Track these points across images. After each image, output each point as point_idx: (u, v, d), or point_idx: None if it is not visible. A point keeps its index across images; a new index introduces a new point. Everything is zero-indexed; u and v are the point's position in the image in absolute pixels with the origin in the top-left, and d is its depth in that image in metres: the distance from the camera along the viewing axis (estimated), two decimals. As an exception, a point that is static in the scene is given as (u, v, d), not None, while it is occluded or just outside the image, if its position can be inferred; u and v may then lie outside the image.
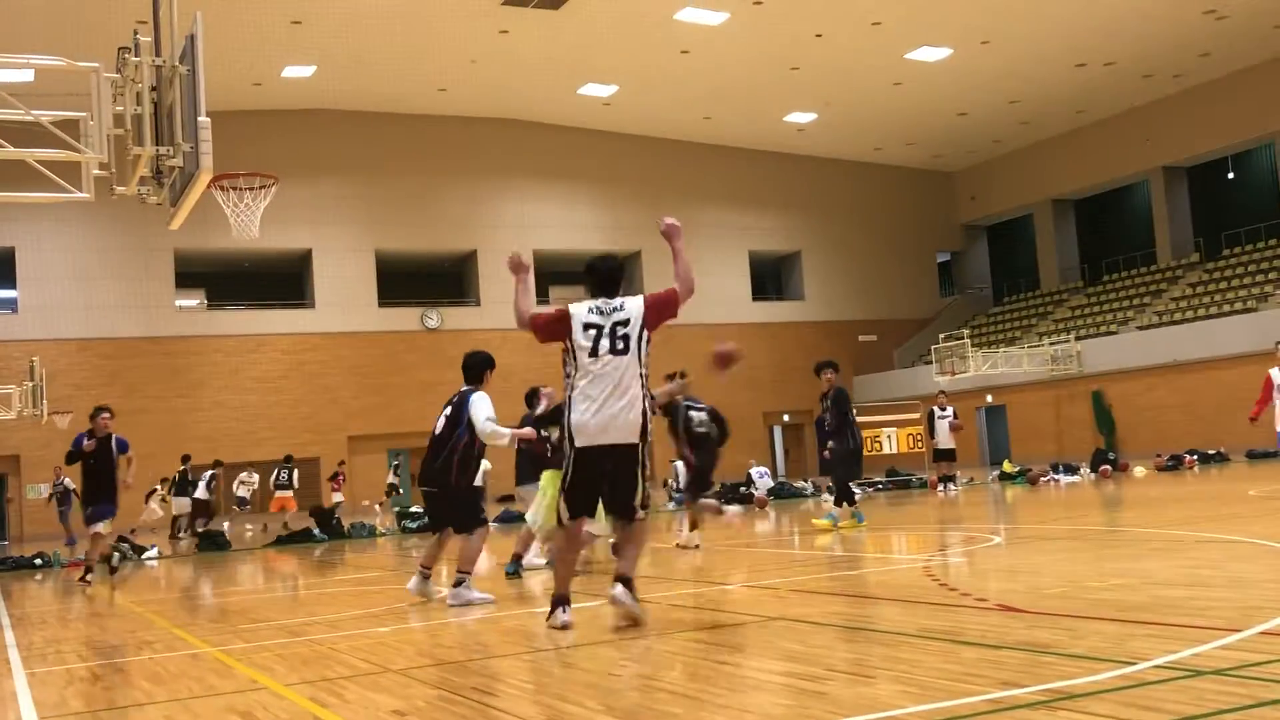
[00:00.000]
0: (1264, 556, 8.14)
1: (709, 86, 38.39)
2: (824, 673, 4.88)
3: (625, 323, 6.70)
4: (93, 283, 36.07)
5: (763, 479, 25.94)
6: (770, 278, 48.32)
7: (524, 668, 5.72)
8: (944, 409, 23.49)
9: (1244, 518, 11.81)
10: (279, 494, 26.37)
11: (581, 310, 6.76)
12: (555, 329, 6.77)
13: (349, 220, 39.46)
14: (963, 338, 40.46)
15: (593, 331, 6.67)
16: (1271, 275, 37.11)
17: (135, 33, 9.30)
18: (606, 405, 6.55)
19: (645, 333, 6.72)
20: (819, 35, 34.32)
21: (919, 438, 28.01)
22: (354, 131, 39.33)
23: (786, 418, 44.56)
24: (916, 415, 30.40)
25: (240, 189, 18.65)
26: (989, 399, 41.22)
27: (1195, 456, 27.01)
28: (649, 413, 6.67)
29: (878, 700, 4.26)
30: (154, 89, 9.20)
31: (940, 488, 22.65)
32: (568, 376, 6.76)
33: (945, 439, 23.07)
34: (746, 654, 5.55)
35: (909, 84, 38.80)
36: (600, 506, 7.05)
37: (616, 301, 6.83)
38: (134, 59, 9.21)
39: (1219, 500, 15.15)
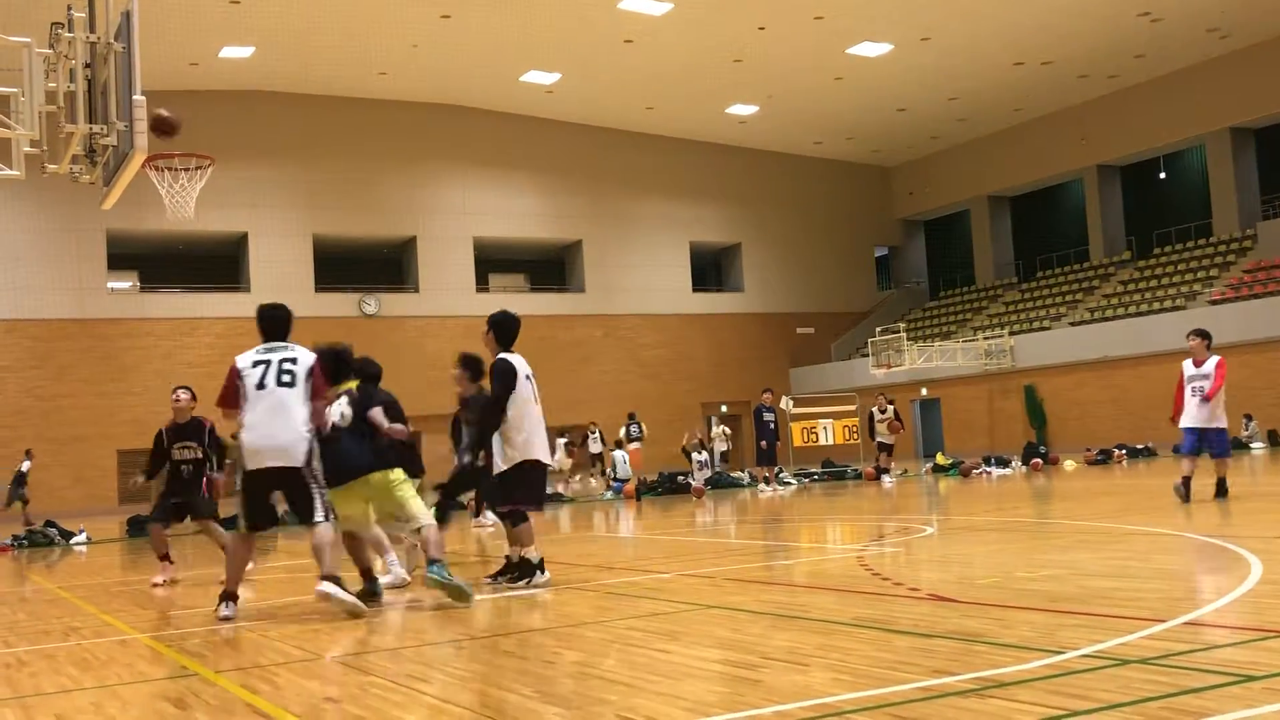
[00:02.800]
0: (1189, 549, 8.32)
1: (651, 76, 38.39)
2: (759, 660, 4.91)
3: (293, 361, 7.50)
4: (22, 263, 35.31)
5: (702, 470, 26.01)
6: (710, 269, 48.47)
7: (459, 655, 5.70)
8: (884, 410, 23.83)
9: (1170, 511, 12.05)
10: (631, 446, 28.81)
11: (247, 357, 7.54)
12: (230, 386, 7.52)
13: (286, 204, 38.98)
14: (899, 331, 40.87)
15: (260, 368, 7.45)
16: (1200, 274, 37.86)
17: (69, 8, 9.11)
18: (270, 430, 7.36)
19: (310, 381, 7.50)
20: (761, 28, 34.43)
21: (855, 429, 28.26)
22: (292, 114, 38.84)
23: (724, 408, 44.75)
24: (853, 407, 30.68)
25: (175, 170, 18.36)
26: (924, 392, 41.66)
27: (1124, 451, 27.49)
28: (312, 440, 7.45)
29: (811, 688, 4.30)
30: (88, 66, 9.02)
31: (880, 478, 22.95)
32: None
33: (884, 434, 23.51)
34: (682, 641, 5.57)
35: (850, 79, 39.07)
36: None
37: (285, 346, 7.63)
38: (67, 35, 9.03)
39: (1146, 494, 15.45)
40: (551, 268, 45.25)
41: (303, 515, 7.46)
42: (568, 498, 23.75)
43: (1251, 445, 29.45)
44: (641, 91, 39.91)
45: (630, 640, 5.70)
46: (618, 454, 26.65)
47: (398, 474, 8.14)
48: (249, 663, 5.77)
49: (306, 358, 7.59)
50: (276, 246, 38.79)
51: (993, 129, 45.52)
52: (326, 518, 7.49)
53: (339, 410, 8.15)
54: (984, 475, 23.43)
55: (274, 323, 7.72)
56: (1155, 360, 34.24)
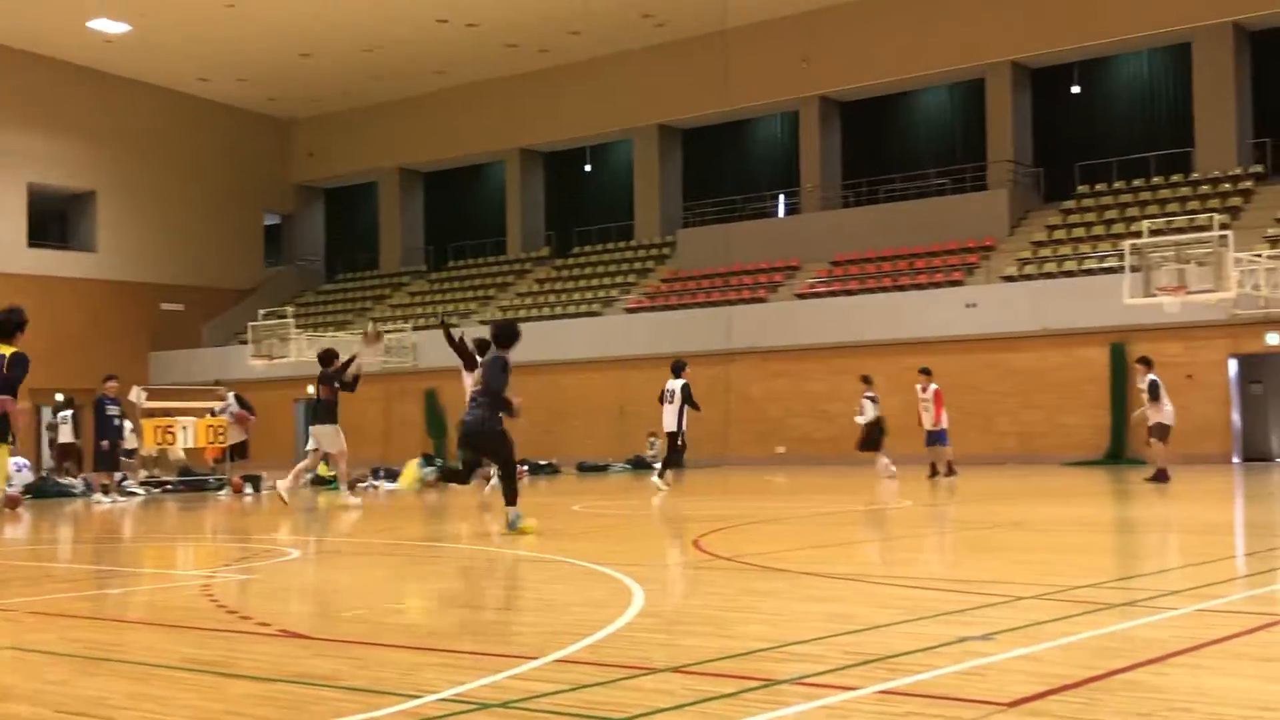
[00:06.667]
0: (577, 577, 8.93)
1: (-11, -33, 35.33)
2: (51, 714, 4.61)
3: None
4: None
5: (20, 472, 24.20)
6: (54, 221, 45.49)
7: None
8: (224, 399, 23.83)
9: (565, 534, 12.91)
10: None
11: None
12: None
13: None
14: (286, 316, 40.55)
15: None
16: (619, 279, 41.16)
17: None
18: None
19: None
20: (140, -71, 32.87)
21: (223, 431, 27.63)
22: None
23: (60, 397, 41.99)
24: (223, 404, 29.99)
25: None
26: (310, 390, 41.64)
27: (526, 466, 29.12)
28: None
29: (113, 749, 4.10)
30: None
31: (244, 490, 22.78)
32: None
33: (235, 433, 23.40)
34: (-51, 694, 5.10)
35: (244, 7, 38.27)
36: None
37: None
38: None
39: (543, 514, 16.44)
40: None
41: None
42: None
43: (655, 465, 32.32)
44: (-26, -16, 36.59)
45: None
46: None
47: None
48: None
49: None
50: None
51: (412, 92, 46.62)
52: None
53: None
54: (371, 489, 23.86)
55: None
56: (566, 369, 36.73)
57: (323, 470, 26.57)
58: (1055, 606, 6.83)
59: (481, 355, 17.03)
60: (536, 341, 37.87)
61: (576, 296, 40.85)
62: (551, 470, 30.26)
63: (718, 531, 12.52)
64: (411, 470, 14.37)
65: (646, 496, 20.12)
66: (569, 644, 5.81)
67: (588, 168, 46.87)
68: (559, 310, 39.93)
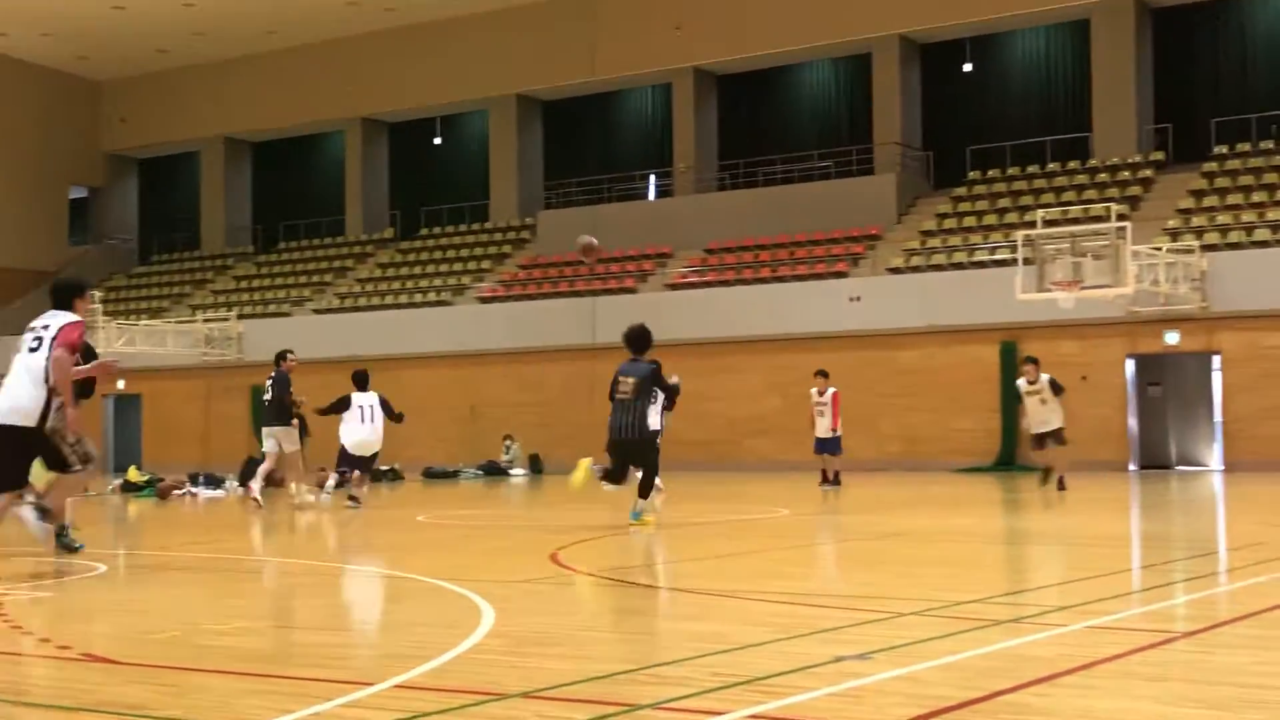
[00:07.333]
0: (420, 595, 8.91)
1: None
2: None
3: (47, 327, 10.06)
4: None
5: None
6: None
7: None
8: None
9: (406, 548, 12.86)
10: None
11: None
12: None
13: None
14: (93, 301, 39.70)
15: (29, 335, 10.13)
16: (471, 265, 40.97)
17: None
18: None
19: (55, 341, 9.88)
20: None
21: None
22: None
23: None
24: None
25: None
26: (121, 385, 40.83)
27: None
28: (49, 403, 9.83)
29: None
30: None
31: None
32: None
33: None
34: None
35: (52, -47, 37.42)
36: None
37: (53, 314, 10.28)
38: None
39: (384, 526, 16.35)
40: None
41: (51, 466, 10.35)
42: None
43: (511, 472, 32.33)
44: None
45: None
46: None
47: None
48: None
49: (60, 320, 10.05)
50: None
51: (240, 52, 45.90)
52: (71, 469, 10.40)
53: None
54: (189, 497, 23.56)
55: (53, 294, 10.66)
56: (415, 364, 36.42)
57: (134, 476, 26.11)
58: (938, 623, 6.99)
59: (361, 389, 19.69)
60: (378, 333, 37.60)
61: (424, 284, 40.56)
62: (394, 476, 30.01)
63: (579, 544, 12.56)
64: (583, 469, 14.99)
65: (497, 505, 20.09)
66: (410, 668, 5.80)
67: (438, 140, 46.53)
68: (404, 299, 39.61)
